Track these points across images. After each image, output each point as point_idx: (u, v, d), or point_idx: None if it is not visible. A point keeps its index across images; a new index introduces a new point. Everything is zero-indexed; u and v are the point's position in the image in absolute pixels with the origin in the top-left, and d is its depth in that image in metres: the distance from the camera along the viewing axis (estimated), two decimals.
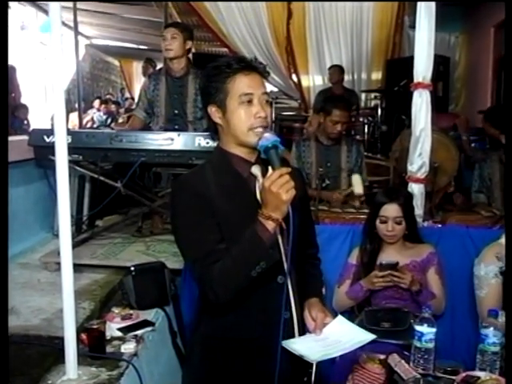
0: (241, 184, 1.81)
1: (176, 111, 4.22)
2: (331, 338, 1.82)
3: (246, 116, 1.76)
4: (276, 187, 1.60)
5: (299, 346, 1.77)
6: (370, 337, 1.84)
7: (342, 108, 4.03)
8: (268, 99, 1.82)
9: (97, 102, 11.68)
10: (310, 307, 1.90)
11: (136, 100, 4.54)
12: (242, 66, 1.78)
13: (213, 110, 1.82)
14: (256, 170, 1.81)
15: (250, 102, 1.77)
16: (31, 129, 4.55)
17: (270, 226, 1.66)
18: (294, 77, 8.63)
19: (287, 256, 1.76)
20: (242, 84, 1.77)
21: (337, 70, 7.57)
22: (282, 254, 1.78)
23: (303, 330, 1.89)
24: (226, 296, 1.74)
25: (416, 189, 3.36)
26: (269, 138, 1.71)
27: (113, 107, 11.80)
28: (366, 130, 6.70)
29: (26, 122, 8.52)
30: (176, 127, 4.11)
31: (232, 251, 1.70)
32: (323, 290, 2.11)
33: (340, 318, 1.92)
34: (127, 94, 15.21)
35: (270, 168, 1.70)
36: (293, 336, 1.85)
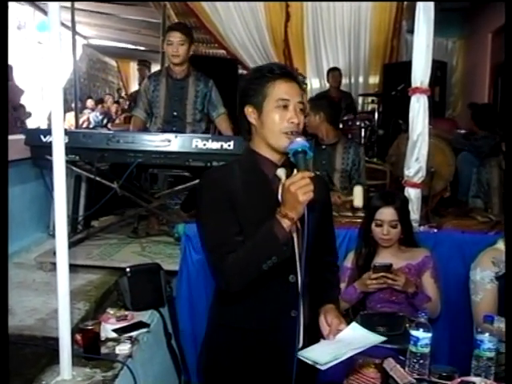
0: (265, 184, 1.89)
1: (175, 113, 4.21)
2: (343, 342, 1.87)
3: (280, 119, 1.85)
4: (295, 187, 1.68)
5: (311, 353, 1.83)
6: (381, 339, 1.92)
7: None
8: (303, 108, 1.89)
9: (89, 102, 11.61)
10: (325, 313, 1.96)
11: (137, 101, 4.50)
12: (282, 72, 1.88)
13: (249, 111, 1.90)
14: (281, 172, 1.90)
15: (285, 107, 1.85)
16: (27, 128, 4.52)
17: (286, 224, 1.74)
18: None
19: (301, 256, 1.83)
20: (280, 89, 1.86)
21: (338, 74, 7.64)
22: (295, 254, 1.87)
23: (311, 333, 1.94)
24: (236, 285, 1.83)
25: (412, 193, 3.37)
26: (299, 142, 1.78)
27: (114, 107, 11.73)
28: (362, 133, 6.69)
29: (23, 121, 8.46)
30: (174, 129, 4.10)
31: (247, 243, 1.79)
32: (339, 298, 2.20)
33: (354, 324, 1.98)
34: (124, 94, 15.15)
35: (295, 170, 1.77)
36: (298, 332, 1.90)
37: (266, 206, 1.81)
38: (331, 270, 2.17)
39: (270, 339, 1.89)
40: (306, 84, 2.02)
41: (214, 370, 2.01)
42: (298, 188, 1.68)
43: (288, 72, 1.90)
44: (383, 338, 1.93)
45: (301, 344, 1.90)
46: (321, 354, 1.80)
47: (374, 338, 1.92)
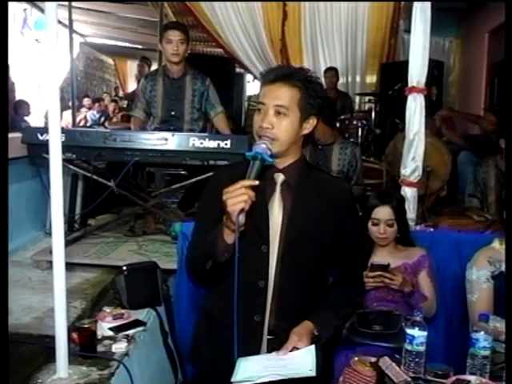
0: (261, 187, 1.82)
1: (173, 112, 4.21)
2: (284, 362, 1.78)
3: (255, 122, 1.87)
4: (225, 196, 1.67)
5: (247, 362, 1.78)
6: (312, 375, 1.71)
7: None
8: (280, 111, 1.84)
9: (86, 101, 11.57)
10: (298, 327, 1.90)
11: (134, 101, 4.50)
12: (273, 74, 1.87)
13: None
14: (277, 176, 1.93)
15: (261, 110, 1.86)
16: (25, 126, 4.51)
17: (225, 232, 1.75)
18: None
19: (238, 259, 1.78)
20: (261, 93, 1.89)
21: (334, 74, 7.63)
22: (268, 260, 1.89)
23: (280, 342, 1.88)
24: (193, 275, 2.08)
25: (409, 192, 3.37)
26: (258, 148, 1.76)
27: (112, 105, 11.70)
28: (359, 133, 6.70)
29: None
30: (171, 128, 4.09)
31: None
32: (334, 321, 2.04)
33: (311, 348, 1.85)
34: (121, 93, 15.13)
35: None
36: (260, 337, 1.92)
37: (251, 208, 1.72)
38: (340, 290, 2.09)
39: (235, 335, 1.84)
40: (308, 85, 1.94)
41: (193, 350, 2.15)
42: (230, 197, 1.65)
43: (277, 74, 1.86)
44: (313, 374, 1.71)
45: (264, 350, 1.91)
46: (248, 368, 1.74)
47: (306, 372, 1.72)
